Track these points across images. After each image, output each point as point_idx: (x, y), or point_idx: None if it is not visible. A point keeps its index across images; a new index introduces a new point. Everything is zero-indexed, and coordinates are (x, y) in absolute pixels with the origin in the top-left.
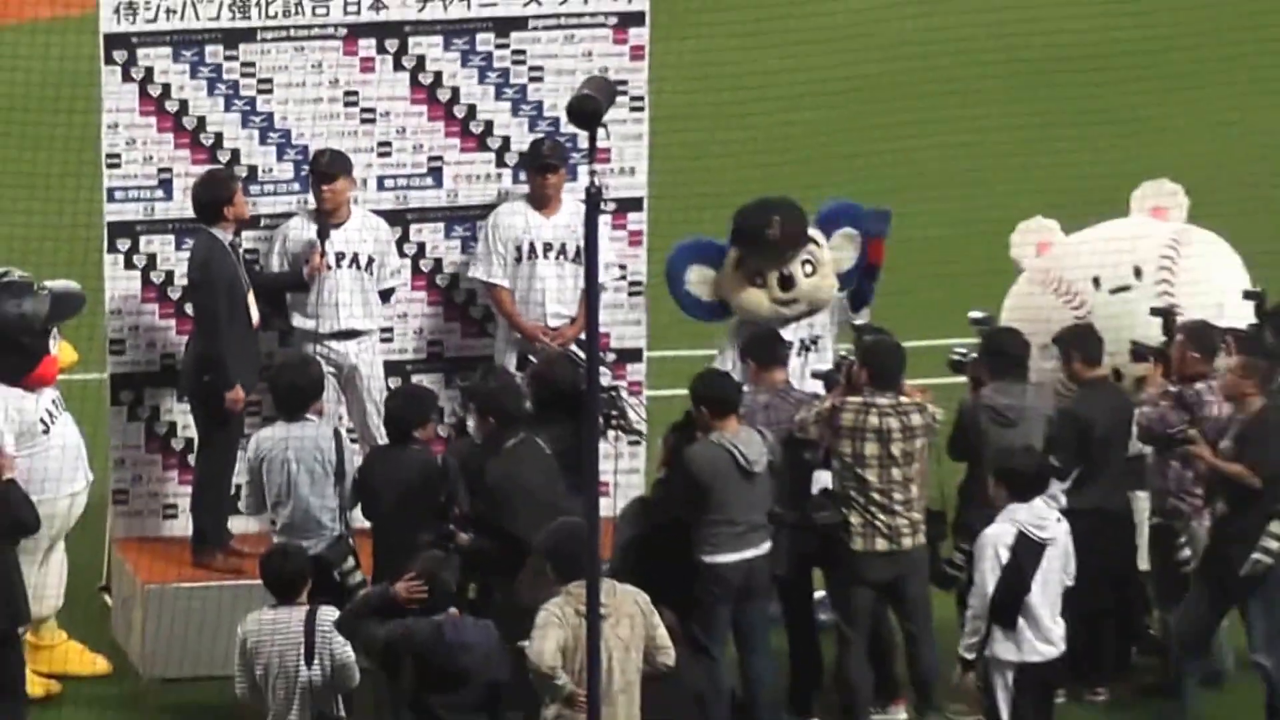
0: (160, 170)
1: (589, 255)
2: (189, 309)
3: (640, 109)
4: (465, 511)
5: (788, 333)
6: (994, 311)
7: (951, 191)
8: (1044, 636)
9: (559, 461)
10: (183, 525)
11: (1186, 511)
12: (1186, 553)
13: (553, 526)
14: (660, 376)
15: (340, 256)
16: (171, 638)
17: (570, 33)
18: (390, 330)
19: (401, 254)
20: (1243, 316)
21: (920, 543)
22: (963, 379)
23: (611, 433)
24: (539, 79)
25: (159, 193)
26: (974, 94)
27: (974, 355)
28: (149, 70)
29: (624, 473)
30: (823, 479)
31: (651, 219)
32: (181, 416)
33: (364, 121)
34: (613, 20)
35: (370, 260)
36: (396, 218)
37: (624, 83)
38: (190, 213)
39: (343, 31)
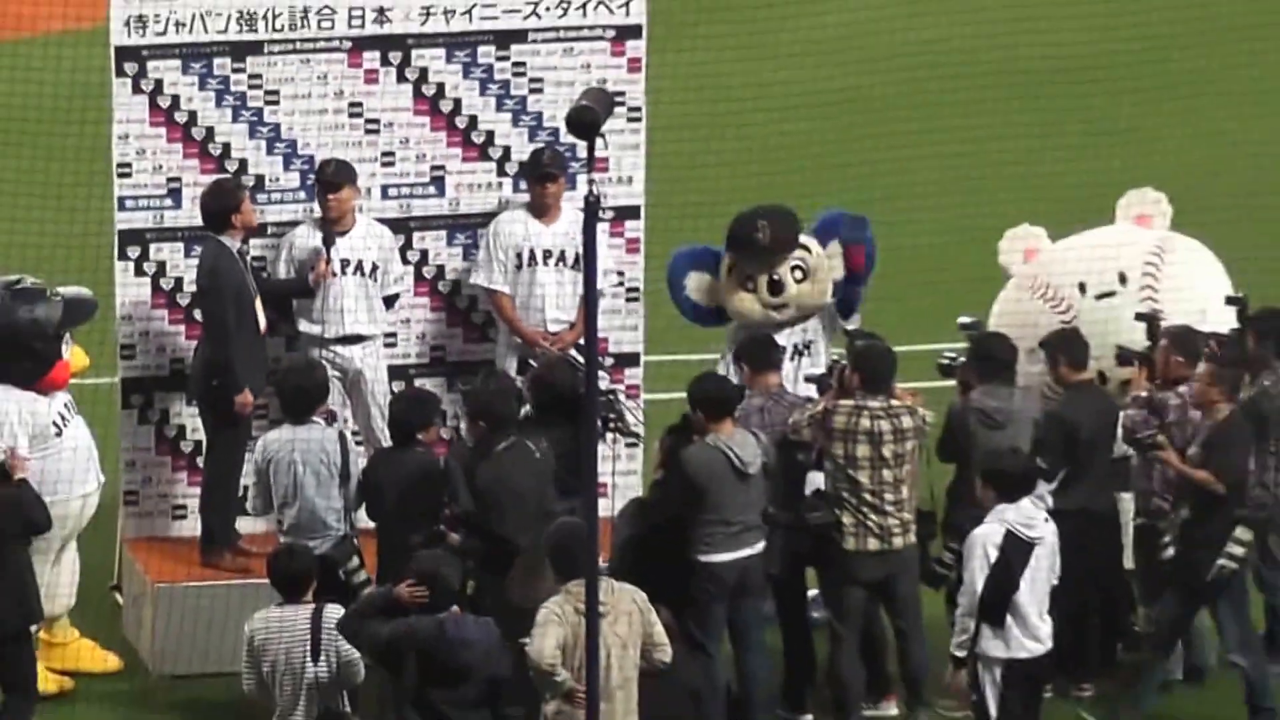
0: (169, 179)
1: (587, 262)
2: (198, 315)
3: (637, 119)
4: (456, 512)
5: (781, 338)
6: (982, 317)
7: (943, 200)
8: (1031, 634)
9: (559, 463)
10: (192, 525)
11: (1169, 512)
12: (1170, 552)
13: (553, 527)
14: (657, 380)
15: (345, 263)
16: (181, 635)
17: (569, 45)
18: (394, 335)
19: (405, 261)
20: (1225, 322)
21: (911, 542)
22: (952, 382)
23: (610, 435)
24: (539, 90)
25: (168, 201)
26: (966, 104)
27: (963, 359)
28: (159, 82)
29: (622, 474)
30: (816, 480)
31: (648, 227)
32: (190, 419)
33: (368, 132)
34: (610, 33)
35: (374, 267)
36: (400, 226)
37: (622, 94)
38: (199, 221)
39: (347, 44)
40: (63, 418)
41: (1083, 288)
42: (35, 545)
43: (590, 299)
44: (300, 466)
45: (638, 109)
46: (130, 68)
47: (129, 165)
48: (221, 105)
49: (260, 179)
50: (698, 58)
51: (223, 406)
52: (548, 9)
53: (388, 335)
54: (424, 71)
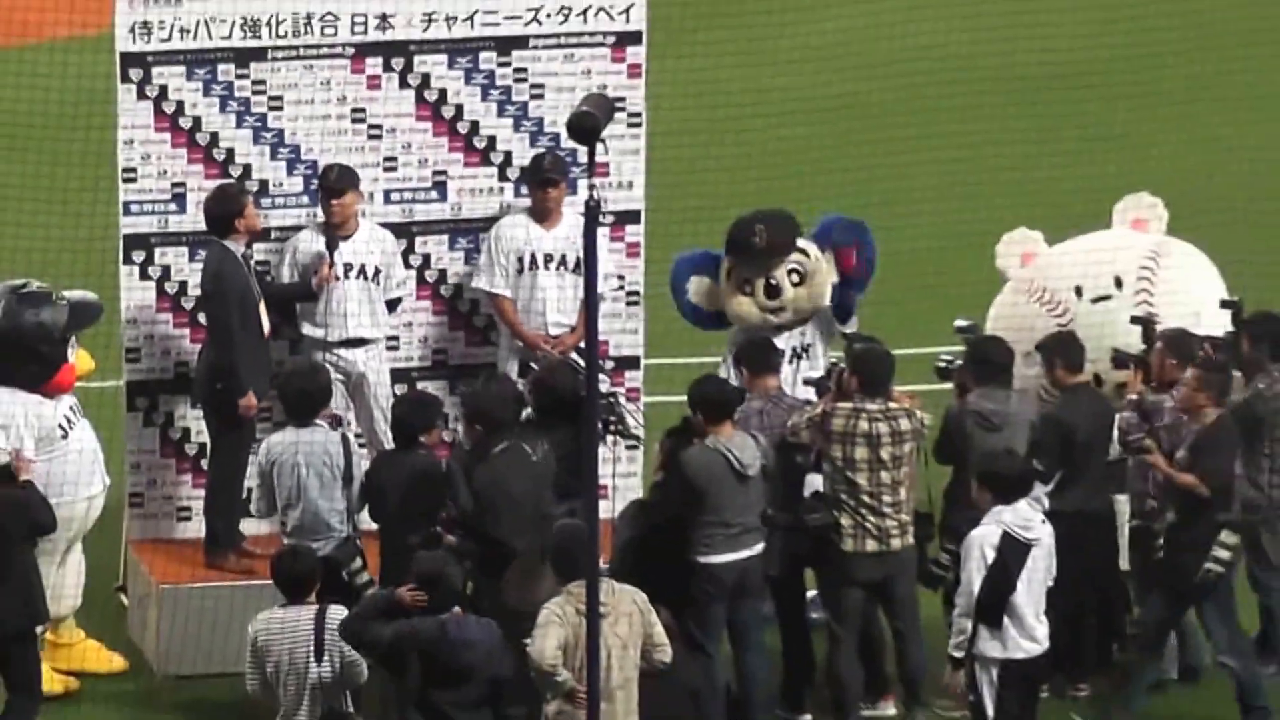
0: (174, 185)
1: (588, 266)
2: (202, 319)
3: (638, 125)
4: (452, 514)
5: (780, 341)
6: (979, 320)
7: (940, 205)
8: (1028, 634)
9: (560, 466)
10: (196, 527)
11: (1161, 514)
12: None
13: (554, 528)
14: (657, 383)
15: (348, 268)
16: (185, 636)
17: (570, 52)
18: (396, 339)
19: (407, 265)
20: (1220, 324)
21: (909, 544)
22: (949, 385)
23: (610, 437)
24: (540, 96)
25: (173, 206)
26: (963, 110)
27: (960, 363)
28: (163, 88)
29: (622, 476)
30: (814, 482)
31: (648, 231)
32: (195, 422)
33: (371, 137)
34: (611, 39)
35: (377, 271)
36: (402, 230)
37: (622, 100)
38: (203, 225)
39: (350, 51)
40: (69, 420)
41: (1079, 291)
42: (41, 547)
43: (591, 303)
44: (304, 469)
45: (638, 114)
46: (135, 74)
47: (134, 170)
48: (226, 111)
49: (264, 184)
50: (697, 64)
51: (227, 409)
52: (549, 15)
53: (390, 339)
54: (426, 77)
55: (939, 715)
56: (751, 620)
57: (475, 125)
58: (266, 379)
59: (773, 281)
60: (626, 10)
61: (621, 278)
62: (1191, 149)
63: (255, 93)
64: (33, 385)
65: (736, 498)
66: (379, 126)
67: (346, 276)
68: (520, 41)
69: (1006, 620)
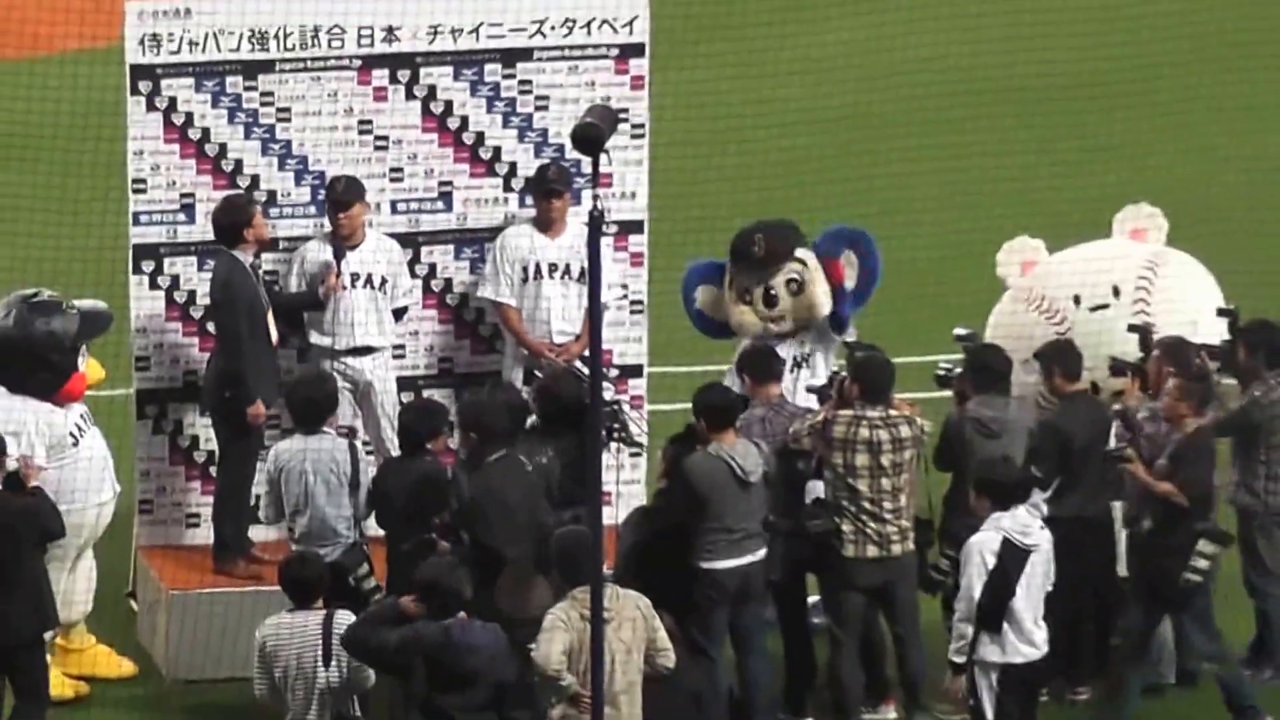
0: (183, 195)
1: (592, 275)
2: (211, 327)
3: (641, 136)
4: (445, 521)
5: (781, 350)
6: (978, 328)
7: (940, 215)
8: (1027, 639)
9: (564, 473)
10: (205, 534)
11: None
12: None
13: (558, 534)
14: (660, 391)
15: (355, 277)
16: (194, 641)
17: (574, 63)
18: (403, 347)
19: (413, 274)
20: (1217, 333)
21: (909, 549)
22: (948, 393)
23: (614, 444)
24: (544, 107)
25: (181, 216)
26: (963, 121)
27: (959, 370)
28: (172, 100)
29: (626, 483)
30: (816, 489)
31: (652, 241)
32: (204, 430)
33: (377, 148)
34: (614, 51)
35: (384, 280)
36: (408, 240)
37: (625, 111)
38: (212, 235)
39: (357, 63)
40: (79, 428)
41: (1077, 300)
42: (52, 553)
43: (595, 311)
44: (311, 476)
45: (641, 125)
46: (145, 86)
47: (143, 181)
48: (234, 122)
49: (272, 194)
50: (699, 75)
51: (235, 417)
52: (553, 28)
53: (397, 347)
54: (432, 89)
55: (939, 719)
56: (754, 625)
57: (480, 136)
58: (275, 387)
59: (771, 291)
60: (630, 23)
61: (625, 287)
62: (1188, 159)
63: (263, 104)
64: (44, 393)
65: (739, 504)
66: (385, 137)
67: (353, 285)
68: (525, 54)
69: (1005, 625)
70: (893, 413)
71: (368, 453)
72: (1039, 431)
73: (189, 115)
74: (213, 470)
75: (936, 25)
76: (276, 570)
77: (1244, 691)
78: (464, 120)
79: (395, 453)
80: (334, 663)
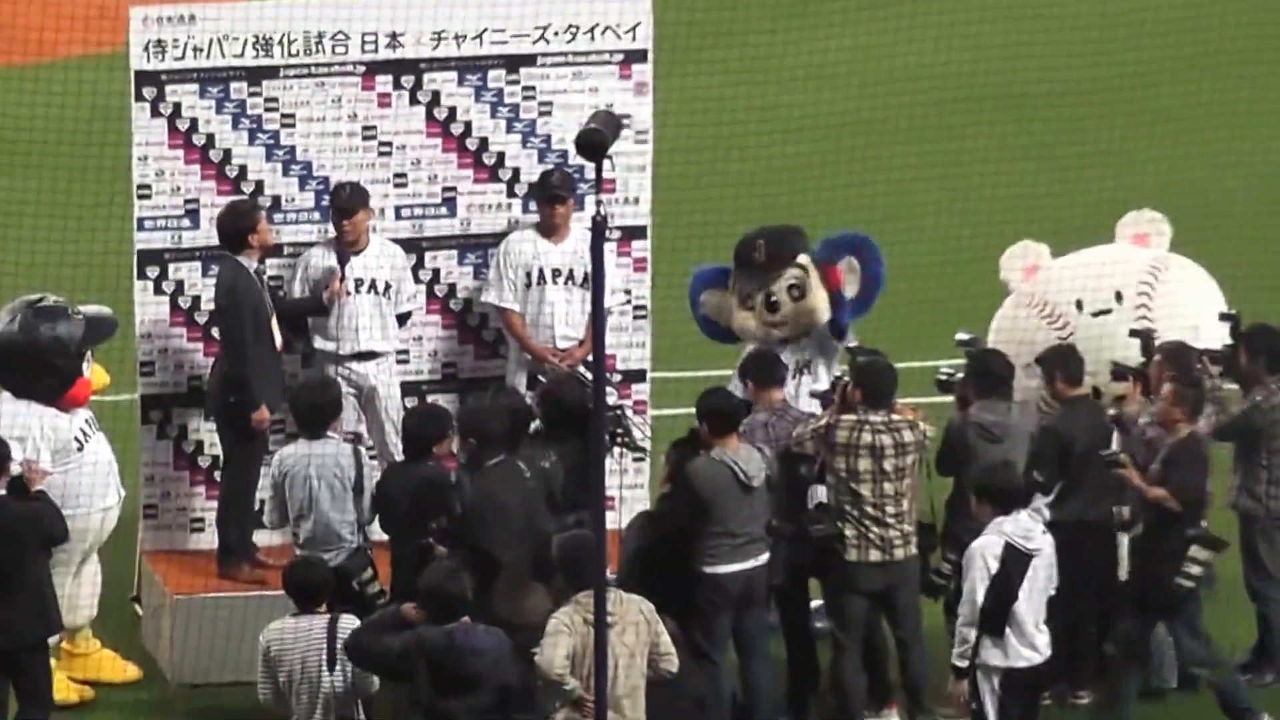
0: (187, 201)
1: (595, 280)
2: (215, 333)
3: (644, 141)
4: (442, 525)
5: (784, 355)
6: (980, 333)
7: (941, 221)
8: (1029, 643)
9: (568, 477)
10: (209, 538)
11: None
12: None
13: (562, 539)
14: (663, 396)
15: (359, 282)
16: (199, 645)
17: (578, 69)
18: (406, 352)
19: (417, 280)
20: (1218, 338)
21: (911, 554)
22: (950, 398)
23: (617, 449)
24: (548, 113)
25: (186, 222)
26: (964, 127)
27: (961, 375)
28: (177, 106)
29: (629, 487)
30: (818, 493)
31: (655, 246)
32: (208, 435)
33: (381, 154)
34: (618, 57)
35: (387, 286)
36: (412, 245)
37: (629, 117)
38: (216, 241)
39: (361, 69)
40: (84, 433)
41: (1080, 305)
42: (57, 557)
43: (598, 317)
44: (315, 480)
45: (644, 131)
46: (149, 92)
47: (148, 187)
48: (238, 128)
49: (276, 200)
50: (703, 82)
51: (240, 422)
52: (556, 34)
53: (401, 352)
54: (436, 95)
55: None
56: (756, 629)
57: (484, 142)
58: (279, 392)
59: (772, 296)
60: (633, 29)
61: (628, 292)
62: (1189, 164)
63: (267, 110)
64: (49, 398)
65: (741, 509)
66: (389, 143)
67: (358, 291)
68: (528, 60)
69: (1008, 630)
70: (895, 417)
71: (371, 457)
72: (1040, 436)
73: (193, 121)
74: (217, 475)
75: (938, 32)
76: (281, 575)
77: (1239, 695)
78: (468, 126)
79: (399, 457)
80: (338, 667)
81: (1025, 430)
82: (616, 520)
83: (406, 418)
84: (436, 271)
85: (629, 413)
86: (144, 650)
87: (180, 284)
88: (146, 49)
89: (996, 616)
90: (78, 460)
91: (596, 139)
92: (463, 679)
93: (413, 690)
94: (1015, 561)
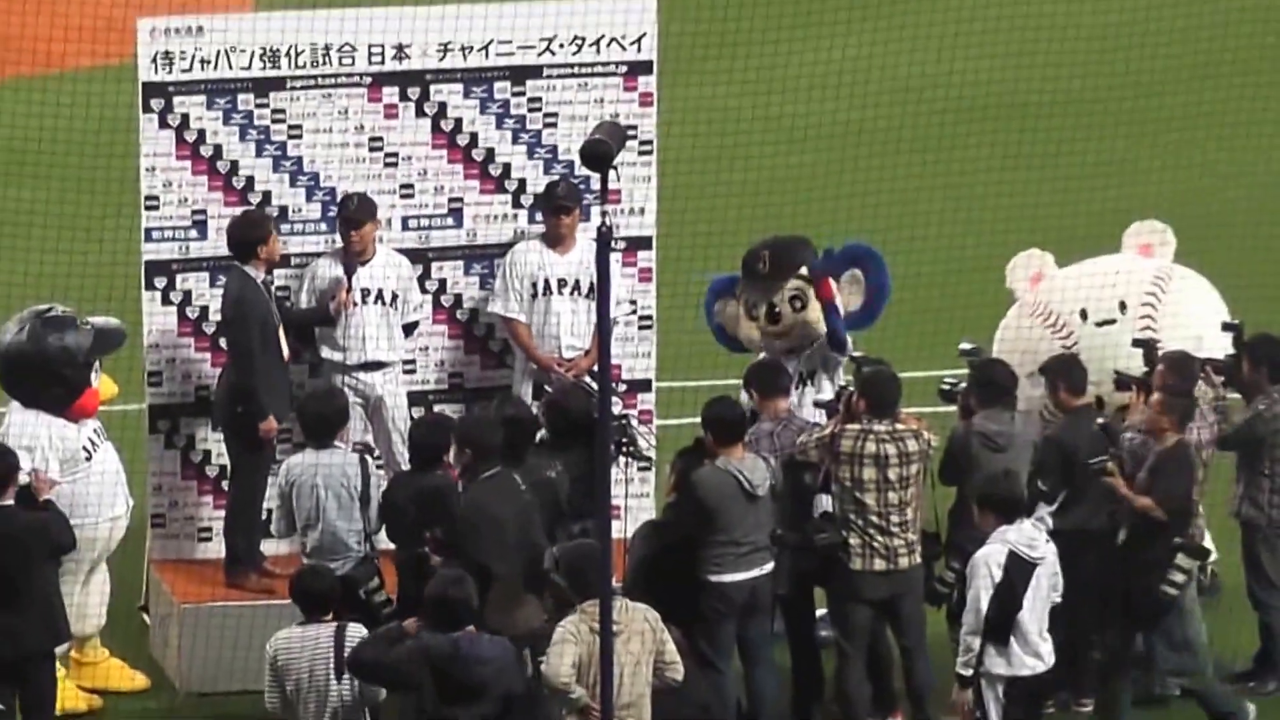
0: (195, 212)
1: (601, 291)
2: (223, 343)
3: (649, 152)
4: (437, 535)
5: (790, 365)
6: (983, 343)
7: (945, 230)
8: (1032, 652)
9: (574, 486)
10: (217, 547)
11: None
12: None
13: (568, 547)
14: (668, 406)
15: (366, 293)
16: (206, 654)
17: (583, 81)
18: (413, 362)
19: (424, 290)
20: (1221, 348)
21: (916, 562)
22: (954, 408)
23: (623, 459)
24: (553, 124)
25: (194, 233)
26: (967, 136)
27: (964, 385)
28: (185, 117)
29: (635, 496)
30: (823, 502)
31: (660, 256)
32: (216, 445)
33: (388, 165)
34: (623, 69)
35: (394, 296)
36: (419, 256)
37: (634, 127)
38: (224, 251)
39: (368, 80)
40: (92, 443)
41: (1084, 314)
42: (65, 567)
43: (603, 327)
44: (322, 490)
45: (649, 142)
46: (157, 103)
47: (156, 198)
48: (245, 139)
49: (283, 211)
50: (707, 92)
51: (247, 432)
52: (561, 45)
53: (407, 362)
54: (442, 106)
55: None
56: (761, 638)
57: (490, 153)
58: (286, 402)
59: (775, 307)
60: (638, 40)
61: (634, 302)
62: (1192, 174)
63: (275, 121)
64: (57, 408)
65: (746, 518)
66: (396, 154)
67: (364, 301)
68: (534, 71)
69: (1012, 638)
70: (899, 427)
71: (378, 467)
72: (1043, 446)
73: (201, 132)
74: (224, 485)
75: (942, 42)
76: (288, 583)
77: (1222, 700)
78: (473, 137)
79: (406, 467)
80: (346, 676)
81: (1028, 440)
82: (622, 529)
83: (413, 428)
84: (443, 282)
85: (634, 422)
86: (152, 659)
87: (188, 294)
88: (154, 60)
89: (1001, 625)
90: (86, 470)
91: (602, 150)
92: (467, 687)
93: (418, 699)
94: (1019, 570)
